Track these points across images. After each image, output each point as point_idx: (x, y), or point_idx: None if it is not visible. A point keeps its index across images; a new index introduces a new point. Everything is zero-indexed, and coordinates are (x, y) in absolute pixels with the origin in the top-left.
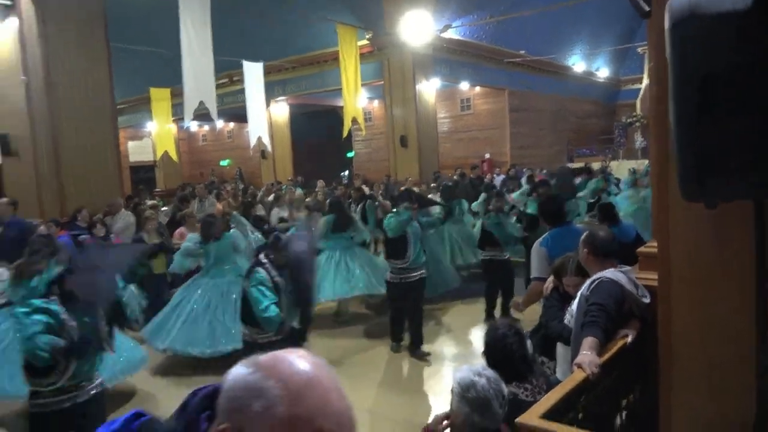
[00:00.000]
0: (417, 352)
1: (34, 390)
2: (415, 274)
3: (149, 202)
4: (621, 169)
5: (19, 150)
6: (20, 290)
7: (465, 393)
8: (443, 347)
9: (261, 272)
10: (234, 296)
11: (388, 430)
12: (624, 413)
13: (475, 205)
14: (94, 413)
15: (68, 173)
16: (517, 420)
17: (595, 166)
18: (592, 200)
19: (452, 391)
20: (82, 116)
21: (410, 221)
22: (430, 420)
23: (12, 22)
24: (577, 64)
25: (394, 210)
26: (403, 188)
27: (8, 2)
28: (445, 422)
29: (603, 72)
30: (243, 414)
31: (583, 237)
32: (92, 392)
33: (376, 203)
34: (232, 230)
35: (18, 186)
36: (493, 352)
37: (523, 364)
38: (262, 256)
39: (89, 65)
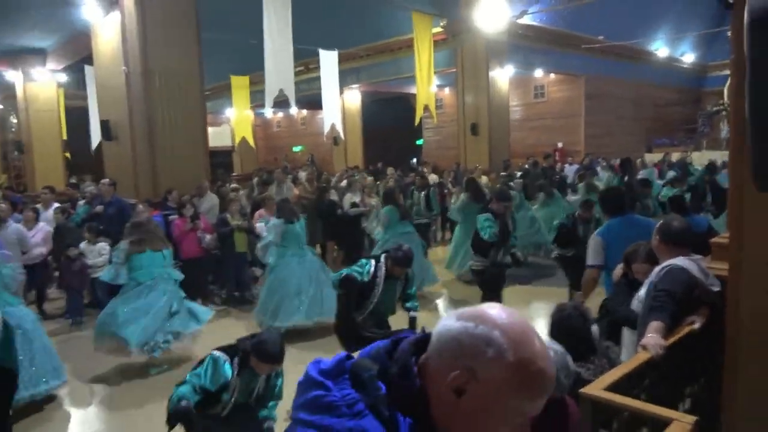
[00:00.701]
0: None
1: None
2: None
3: (231, 186)
4: (703, 160)
5: (119, 135)
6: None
7: None
8: None
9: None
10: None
11: None
12: (688, 401)
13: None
14: None
15: (161, 156)
16: (581, 391)
17: (675, 156)
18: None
19: None
20: (174, 103)
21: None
22: None
23: (114, 17)
24: (661, 49)
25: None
26: (468, 177)
27: None
28: None
29: (688, 57)
30: (476, 360)
31: (656, 225)
32: None
33: (446, 190)
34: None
35: (117, 167)
36: (557, 330)
37: (586, 344)
38: (382, 257)
39: (182, 55)
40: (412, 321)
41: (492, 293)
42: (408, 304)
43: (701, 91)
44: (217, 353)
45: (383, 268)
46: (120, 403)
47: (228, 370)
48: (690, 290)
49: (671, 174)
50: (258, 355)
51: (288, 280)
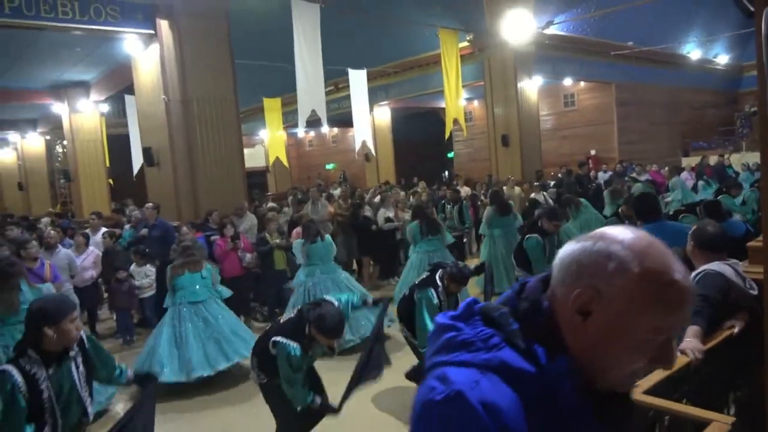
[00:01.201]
0: None
1: None
2: None
3: (269, 205)
4: (744, 161)
5: (160, 160)
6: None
7: None
8: None
9: (432, 293)
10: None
11: None
12: (733, 408)
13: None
14: None
15: (201, 180)
16: None
17: (713, 160)
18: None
19: None
20: (212, 129)
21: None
22: None
23: (154, 49)
24: (693, 51)
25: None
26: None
27: (152, 31)
28: None
29: (722, 59)
30: (598, 277)
31: (691, 231)
32: None
33: (479, 202)
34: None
35: (159, 192)
36: None
37: None
38: (438, 276)
39: (218, 82)
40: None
41: None
42: None
43: (737, 92)
44: (281, 340)
45: (441, 288)
46: (171, 420)
47: (297, 352)
48: (726, 294)
49: (701, 184)
50: (318, 329)
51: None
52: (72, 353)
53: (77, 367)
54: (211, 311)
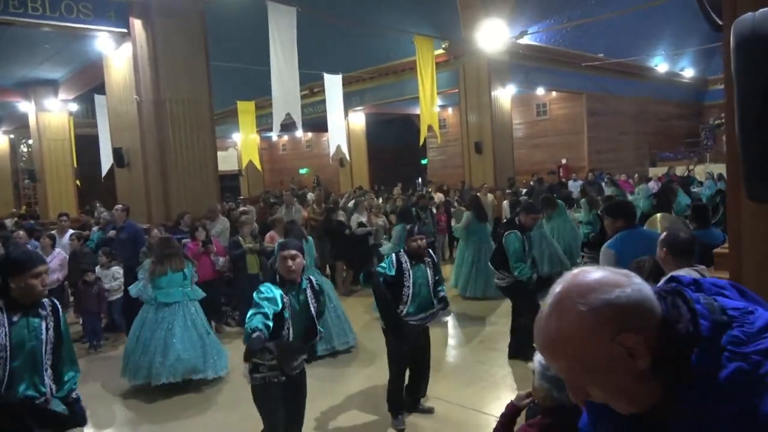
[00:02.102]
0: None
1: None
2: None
3: (241, 209)
4: (708, 172)
5: (131, 161)
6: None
7: (546, 371)
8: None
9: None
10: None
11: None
12: None
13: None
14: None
15: (173, 181)
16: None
17: (679, 170)
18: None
19: (533, 371)
20: (185, 130)
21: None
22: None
23: (127, 48)
24: (660, 64)
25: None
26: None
27: (124, 30)
28: (527, 400)
29: (688, 72)
30: None
31: (661, 237)
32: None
33: (452, 208)
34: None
35: (129, 193)
36: None
37: None
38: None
39: (191, 84)
40: (443, 300)
41: (528, 304)
42: (438, 288)
43: (702, 104)
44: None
45: (405, 257)
46: (142, 424)
47: (272, 287)
48: None
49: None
50: (281, 247)
51: None
52: (42, 312)
53: (47, 330)
54: (189, 315)
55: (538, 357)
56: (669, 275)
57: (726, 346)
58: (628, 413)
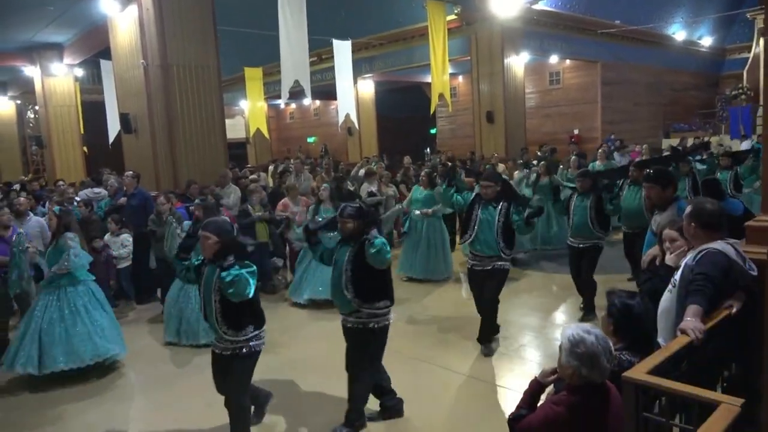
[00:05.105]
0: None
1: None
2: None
3: (251, 176)
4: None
5: (138, 127)
6: None
7: (574, 348)
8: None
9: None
10: None
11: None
12: (724, 385)
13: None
14: None
15: (181, 148)
16: (624, 374)
17: (692, 141)
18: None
19: (560, 347)
20: (193, 96)
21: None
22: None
23: (132, 10)
24: (678, 32)
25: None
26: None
27: None
28: (553, 376)
29: (706, 41)
30: None
31: (687, 210)
32: None
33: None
34: None
35: (137, 160)
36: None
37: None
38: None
39: (199, 47)
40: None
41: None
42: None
43: (719, 75)
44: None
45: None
46: (163, 385)
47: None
48: (726, 273)
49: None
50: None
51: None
52: None
53: None
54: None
55: (566, 332)
56: (700, 248)
57: None
58: None
